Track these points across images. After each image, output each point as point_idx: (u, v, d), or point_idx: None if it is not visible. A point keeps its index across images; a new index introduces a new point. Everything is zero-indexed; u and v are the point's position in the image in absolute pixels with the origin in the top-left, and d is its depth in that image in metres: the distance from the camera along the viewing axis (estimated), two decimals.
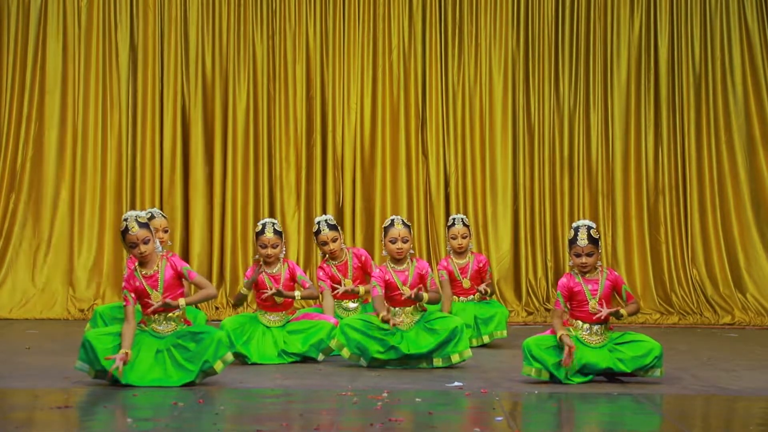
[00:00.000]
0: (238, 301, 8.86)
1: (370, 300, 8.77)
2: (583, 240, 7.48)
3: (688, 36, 12.09)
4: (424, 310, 8.21)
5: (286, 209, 12.03)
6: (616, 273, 7.65)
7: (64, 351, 8.72)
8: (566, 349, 7.30)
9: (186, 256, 11.82)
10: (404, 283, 8.15)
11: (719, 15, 12.08)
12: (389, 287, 8.16)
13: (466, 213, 11.78)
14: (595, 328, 7.51)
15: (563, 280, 7.57)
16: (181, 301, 7.31)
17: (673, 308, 11.75)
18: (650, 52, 12.11)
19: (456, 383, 7.38)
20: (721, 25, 12.08)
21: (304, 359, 8.44)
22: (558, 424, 6.31)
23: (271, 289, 8.41)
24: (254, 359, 8.34)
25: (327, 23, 12.11)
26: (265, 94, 12.08)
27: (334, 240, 9.15)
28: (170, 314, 7.33)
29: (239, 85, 12.09)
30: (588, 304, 7.49)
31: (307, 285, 8.60)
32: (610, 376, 7.53)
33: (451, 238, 9.69)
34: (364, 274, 9.20)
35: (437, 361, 8.11)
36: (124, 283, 7.42)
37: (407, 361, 8.11)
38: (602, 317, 7.47)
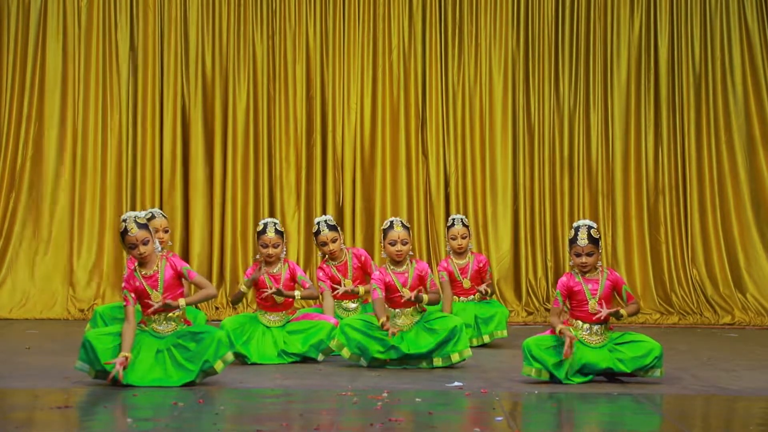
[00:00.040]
0: (237, 299, 8.84)
1: (369, 300, 8.77)
2: (583, 240, 7.48)
3: (688, 36, 12.09)
4: (424, 310, 8.21)
5: (286, 209, 12.03)
6: (616, 273, 7.65)
7: (64, 351, 8.72)
8: (567, 340, 7.31)
9: (186, 256, 11.82)
10: (404, 285, 8.15)
11: (719, 15, 12.07)
12: (389, 289, 8.16)
13: (466, 213, 11.78)
14: (595, 328, 7.52)
15: (563, 279, 7.58)
16: (182, 302, 7.31)
17: (673, 308, 11.75)
18: (650, 52, 12.10)
19: (456, 383, 7.38)
20: (721, 25, 12.08)
21: (304, 359, 8.44)
22: (558, 424, 6.31)
23: (271, 289, 8.41)
24: (254, 359, 8.34)
25: (327, 23, 12.10)
26: (265, 94, 12.07)
27: (334, 240, 9.15)
28: (170, 314, 7.33)
29: (239, 85, 12.09)
30: (588, 303, 7.49)
31: (307, 285, 8.59)
32: (610, 376, 7.53)
33: (451, 238, 9.69)
34: (363, 274, 9.19)
35: (437, 361, 8.11)
36: (124, 283, 7.42)
37: (407, 361, 8.11)
38: (602, 317, 7.47)
